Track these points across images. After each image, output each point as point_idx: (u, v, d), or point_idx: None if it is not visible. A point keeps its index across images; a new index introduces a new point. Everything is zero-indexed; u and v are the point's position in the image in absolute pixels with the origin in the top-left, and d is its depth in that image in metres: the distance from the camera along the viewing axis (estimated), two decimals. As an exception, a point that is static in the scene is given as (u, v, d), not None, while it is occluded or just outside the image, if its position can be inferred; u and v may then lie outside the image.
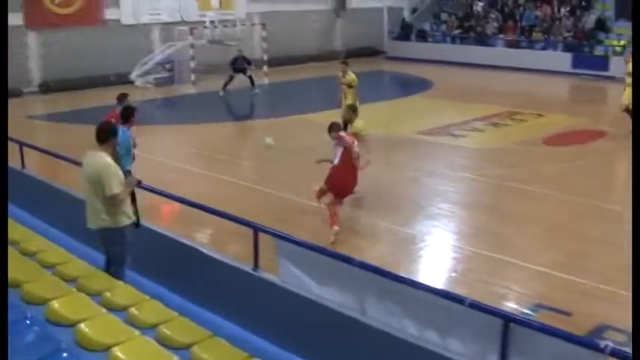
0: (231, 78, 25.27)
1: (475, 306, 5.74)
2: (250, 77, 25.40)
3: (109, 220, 7.50)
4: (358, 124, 13.25)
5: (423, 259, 10.86)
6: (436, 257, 10.99)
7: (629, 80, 17.13)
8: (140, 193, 9.49)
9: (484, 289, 9.24)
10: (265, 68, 28.76)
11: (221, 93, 25.19)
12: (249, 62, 25.60)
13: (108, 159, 7.45)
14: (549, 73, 29.73)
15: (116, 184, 7.36)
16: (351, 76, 16.24)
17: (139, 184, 8.03)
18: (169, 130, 21.04)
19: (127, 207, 7.70)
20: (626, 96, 17.47)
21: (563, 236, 11.40)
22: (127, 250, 7.72)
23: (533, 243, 11.17)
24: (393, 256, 10.66)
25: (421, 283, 6.40)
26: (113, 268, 7.71)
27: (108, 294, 6.72)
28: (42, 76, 27.26)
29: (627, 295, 5.37)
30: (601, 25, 31.27)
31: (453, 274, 10.14)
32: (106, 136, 7.54)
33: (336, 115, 17.48)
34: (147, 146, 18.45)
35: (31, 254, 7.90)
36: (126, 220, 7.64)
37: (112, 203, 7.41)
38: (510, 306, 8.83)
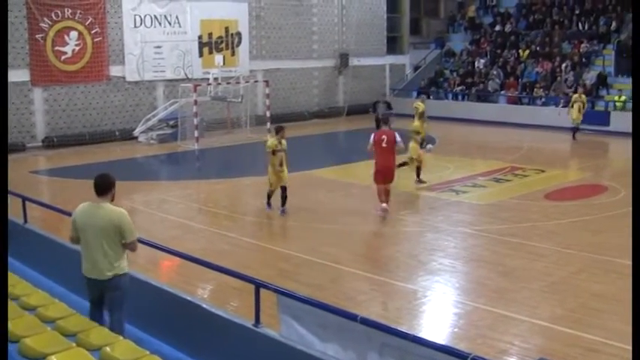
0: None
1: (477, 361, 5.68)
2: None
3: (119, 267, 7.71)
4: None
5: (424, 315, 10.80)
6: (438, 312, 10.92)
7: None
8: (142, 248, 9.49)
9: (486, 344, 9.19)
10: (268, 125, 28.97)
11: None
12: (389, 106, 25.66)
13: (117, 208, 7.68)
14: (551, 129, 29.93)
15: (134, 229, 7.70)
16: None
17: None
18: (172, 186, 21.11)
19: None
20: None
21: (565, 291, 11.33)
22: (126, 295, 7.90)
23: (534, 297, 11.09)
24: (394, 312, 10.62)
25: (423, 339, 6.34)
26: (116, 315, 7.79)
27: (107, 349, 6.67)
28: (46, 131, 27.51)
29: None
30: (602, 80, 31.59)
31: (455, 330, 10.07)
32: (108, 187, 7.71)
33: (340, 171, 17.57)
34: (150, 202, 18.60)
35: (32, 308, 7.87)
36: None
37: (131, 248, 7.77)
38: (513, 361, 8.78)
